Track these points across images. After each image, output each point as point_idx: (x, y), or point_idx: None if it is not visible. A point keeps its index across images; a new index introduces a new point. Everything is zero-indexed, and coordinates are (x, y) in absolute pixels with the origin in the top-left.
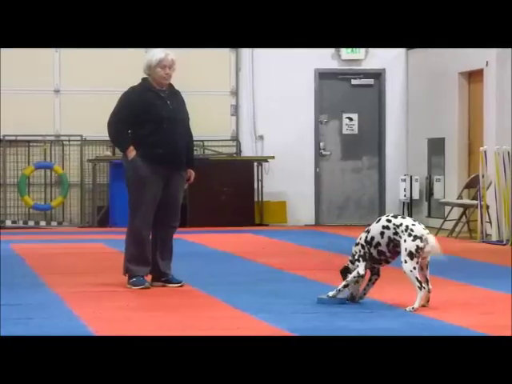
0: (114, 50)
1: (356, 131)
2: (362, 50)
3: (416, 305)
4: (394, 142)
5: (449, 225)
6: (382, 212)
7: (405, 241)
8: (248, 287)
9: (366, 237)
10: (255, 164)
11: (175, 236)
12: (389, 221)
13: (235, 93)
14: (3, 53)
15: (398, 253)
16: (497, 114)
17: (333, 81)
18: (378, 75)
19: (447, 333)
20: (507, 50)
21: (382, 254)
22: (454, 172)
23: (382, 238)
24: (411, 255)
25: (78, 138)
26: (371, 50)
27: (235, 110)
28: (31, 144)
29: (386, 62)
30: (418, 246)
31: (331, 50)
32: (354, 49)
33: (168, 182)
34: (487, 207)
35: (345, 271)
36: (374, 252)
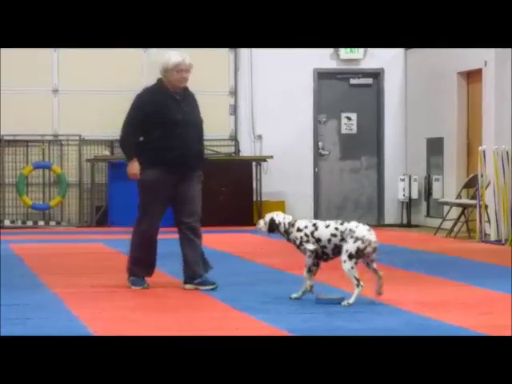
0: (112, 50)
1: (355, 131)
2: (361, 49)
3: (351, 300)
4: (392, 141)
5: (448, 224)
6: (380, 212)
7: (347, 242)
8: (246, 287)
9: (313, 232)
10: (254, 164)
11: (173, 236)
12: (336, 229)
13: (234, 92)
14: (2, 53)
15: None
16: (495, 114)
17: (331, 80)
18: (377, 75)
19: (446, 333)
20: (506, 50)
21: (325, 254)
22: (452, 172)
23: (329, 243)
24: (350, 256)
25: (77, 137)
26: (370, 49)
27: (234, 110)
28: (30, 144)
29: (384, 61)
30: (358, 247)
31: (330, 50)
32: (352, 48)
33: (180, 183)
34: (486, 207)
35: (274, 225)
36: (319, 250)
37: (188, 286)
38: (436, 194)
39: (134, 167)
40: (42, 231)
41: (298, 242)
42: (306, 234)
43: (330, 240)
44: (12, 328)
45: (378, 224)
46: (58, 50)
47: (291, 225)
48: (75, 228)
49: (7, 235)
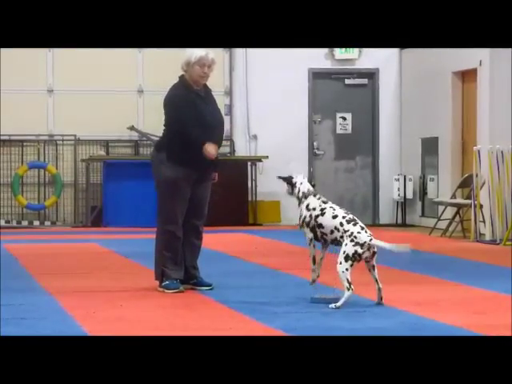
0: (107, 49)
1: (350, 131)
2: (356, 49)
3: (339, 303)
4: (387, 141)
5: (442, 224)
6: (375, 211)
7: (346, 244)
8: (241, 287)
9: (317, 216)
10: (249, 164)
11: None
12: (341, 224)
13: (229, 92)
14: None
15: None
16: (490, 114)
17: (326, 80)
18: (372, 75)
19: (440, 332)
20: (501, 50)
21: (323, 239)
22: (447, 171)
23: (331, 234)
24: (347, 258)
25: (72, 137)
26: (365, 49)
27: (229, 110)
28: (25, 144)
29: (379, 61)
30: (356, 251)
31: (325, 50)
32: (347, 48)
33: (198, 183)
34: (481, 207)
35: (291, 183)
36: (318, 231)
37: (183, 287)
38: (431, 193)
39: (212, 147)
40: (37, 231)
41: (300, 220)
42: (311, 216)
43: (332, 231)
44: (6, 328)
45: (372, 224)
46: (52, 49)
47: (304, 196)
48: (70, 228)
49: (2, 235)
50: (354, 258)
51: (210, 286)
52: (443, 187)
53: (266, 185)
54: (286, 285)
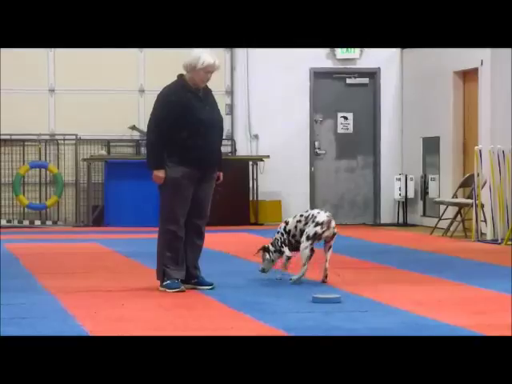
0: (108, 49)
1: (351, 130)
2: (357, 49)
3: (296, 277)
4: (388, 141)
5: (444, 224)
6: (376, 211)
7: (309, 226)
8: (242, 286)
9: (285, 227)
10: (250, 163)
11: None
12: (301, 215)
13: (230, 92)
14: None
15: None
16: (491, 113)
17: (328, 80)
18: (373, 74)
19: (442, 332)
20: (502, 50)
21: (298, 243)
22: (448, 171)
23: (296, 230)
24: (308, 238)
25: (73, 137)
26: (366, 49)
27: (230, 110)
28: (26, 143)
29: (380, 61)
30: (316, 231)
31: (326, 50)
32: (348, 48)
33: (200, 183)
34: (482, 206)
35: (264, 250)
36: (292, 240)
37: (184, 286)
38: (432, 193)
39: (162, 172)
40: (38, 231)
41: (279, 242)
42: (282, 233)
43: (296, 226)
44: (6, 328)
45: (374, 223)
46: (54, 49)
47: (275, 239)
48: (71, 228)
49: (3, 235)
50: (314, 237)
51: (210, 285)
52: (444, 187)
53: (267, 184)
54: (286, 284)
